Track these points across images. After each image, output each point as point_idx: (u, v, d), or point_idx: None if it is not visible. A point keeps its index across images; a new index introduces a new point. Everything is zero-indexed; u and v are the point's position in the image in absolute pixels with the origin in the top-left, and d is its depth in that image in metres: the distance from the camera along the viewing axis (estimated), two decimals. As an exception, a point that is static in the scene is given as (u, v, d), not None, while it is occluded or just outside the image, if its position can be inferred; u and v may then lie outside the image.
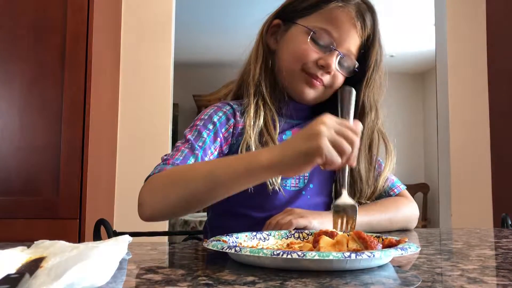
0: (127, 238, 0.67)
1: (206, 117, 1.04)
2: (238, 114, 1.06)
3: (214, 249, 0.63)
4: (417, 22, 4.60)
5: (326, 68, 1.03)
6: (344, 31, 1.03)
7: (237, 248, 0.60)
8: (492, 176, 2.48)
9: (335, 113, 1.12)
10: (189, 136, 1.00)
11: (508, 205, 2.31)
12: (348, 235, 0.66)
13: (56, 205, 1.72)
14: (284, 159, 0.76)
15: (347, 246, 0.64)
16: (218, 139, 1.02)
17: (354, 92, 0.90)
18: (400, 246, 0.63)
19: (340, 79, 1.07)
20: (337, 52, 1.03)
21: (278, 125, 1.06)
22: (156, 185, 0.89)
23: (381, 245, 0.65)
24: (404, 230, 1.08)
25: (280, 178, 1.01)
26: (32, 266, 0.51)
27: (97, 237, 1.10)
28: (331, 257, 0.56)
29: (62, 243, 0.62)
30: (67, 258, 0.51)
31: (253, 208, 1.03)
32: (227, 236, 0.73)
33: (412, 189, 5.51)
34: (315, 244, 0.66)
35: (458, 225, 2.43)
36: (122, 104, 2.28)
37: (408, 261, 0.67)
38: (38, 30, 1.78)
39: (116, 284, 0.52)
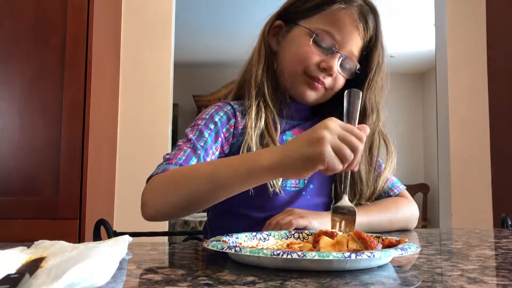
0: (127, 238, 0.67)
1: (207, 117, 1.04)
2: (238, 114, 1.06)
3: (214, 249, 0.63)
4: (417, 22, 4.60)
5: (328, 71, 1.03)
6: (347, 33, 1.03)
7: (237, 248, 0.60)
8: (492, 176, 2.48)
9: (335, 113, 1.12)
10: (190, 136, 1.00)
11: (508, 205, 2.31)
12: (348, 235, 0.66)
13: (56, 205, 1.72)
14: (285, 162, 0.76)
15: (347, 246, 0.64)
16: (219, 139, 1.02)
17: (361, 94, 0.88)
18: (400, 246, 0.63)
19: (341, 81, 1.07)
20: (339, 54, 1.03)
21: (279, 126, 1.06)
22: (159, 186, 0.89)
23: (381, 245, 0.65)
24: (404, 230, 1.08)
25: (281, 180, 1.01)
26: (32, 266, 0.51)
27: (97, 237, 1.10)
28: (331, 257, 0.56)
29: (62, 243, 0.62)
30: (67, 258, 0.51)
31: (253, 208, 1.03)
32: (227, 236, 0.73)
33: (412, 189, 5.51)
34: (315, 244, 0.66)
35: (458, 225, 2.43)
36: (122, 104, 2.28)
37: (408, 261, 0.67)
38: (38, 30, 1.78)
39: (116, 284, 0.52)
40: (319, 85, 1.05)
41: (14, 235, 1.67)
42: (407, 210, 1.11)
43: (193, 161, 0.96)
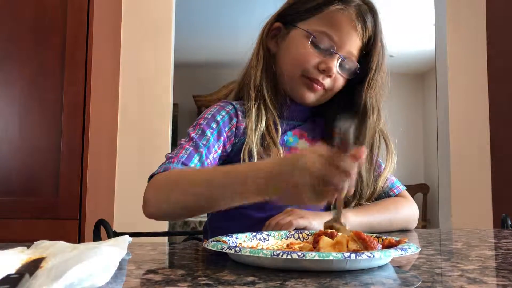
0: (127, 239, 0.67)
1: (209, 116, 1.05)
2: (240, 113, 1.07)
3: (214, 249, 0.63)
4: (417, 22, 4.60)
5: (327, 72, 1.03)
6: (345, 34, 1.03)
7: (237, 249, 0.60)
8: (492, 177, 2.48)
9: (333, 113, 1.12)
10: (193, 135, 1.00)
11: (508, 205, 2.31)
12: (348, 235, 0.66)
13: (56, 205, 1.72)
14: (270, 196, 0.75)
15: (347, 247, 0.64)
16: (222, 138, 1.03)
17: (351, 123, 0.77)
18: (400, 246, 0.63)
19: (341, 81, 1.07)
20: (338, 55, 1.03)
21: (280, 128, 1.06)
22: (161, 186, 0.90)
23: (381, 246, 0.65)
24: (404, 231, 1.08)
25: None
26: (32, 267, 0.51)
27: (97, 237, 1.10)
28: (331, 258, 0.56)
29: (62, 244, 0.62)
30: (67, 258, 0.51)
31: (253, 208, 1.03)
32: (227, 237, 0.73)
33: (412, 189, 5.51)
34: (315, 245, 0.66)
35: (458, 226, 2.42)
36: (122, 104, 2.27)
37: (408, 261, 0.67)
38: (38, 30, 1.78)
39: (116, 284, 0.52)
40: (318, 87, 1.05)
41: (14, 235, 1.67)
42: (407, 210, 1.10)
43: (195, 159, 0.96)
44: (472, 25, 2.56)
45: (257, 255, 0.58)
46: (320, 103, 1.10)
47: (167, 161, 0.95)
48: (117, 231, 1.13)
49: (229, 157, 1.05)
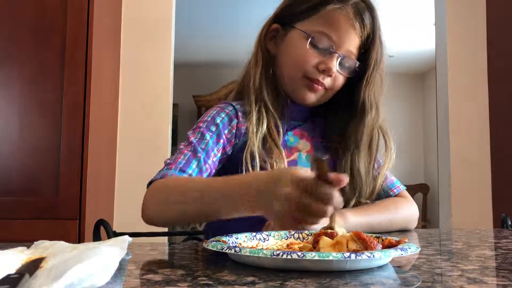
0: (127, 239, 0.67)
1: (209, 119, 1.05)
2: (240, 114, 1.07)
3: (214, 249, 0.63)
4: (417, 21, 4.60)
5: (327, 72, 1.03)
6: (343, 33, 1.03)
7: (237, 249, 0.60)
8: (492, 177, 2.48)
9: (334, 111, 1.12)
10: (192, 139, 1.01)
11: (508, 205, 2.31)
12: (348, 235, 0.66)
13: (56, 205, 1.72)
14: (259, 214, 0.77)
15: (347, 247, 0.64)
16: (221, 140, 1.03)
17: (325, 157, 0.74)
18: (400, 246, 0.63)
19: (341, 80, 1.07)
20: (337, 54, 1.03)
21: (281, 130, 1.06)
22: (157, 194, 0.92)
23: (381, 246, 0.65)
24: (404, 231, 1.08)
25: None
26: (32, 267, 0.51)
27: (96, 237, 1.10)
28: (331, 258, 0.56)
29: (61, 244, 0.62)
30: (66, 258, 0.51)
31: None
32: (227, 237, 0.73)
33: (412, 189, 5.51)
34: (315, 245, 0.66)
35: (458, 226, 2.42)
36: (122, 104, 2.27)
37: (408, 261, 0.67)
38: (38, 30, 1.78)
39: (116, 285, 0.52)
40: (319, 87, 1.05)
41: (14, 235, 1.67)
42: (407, 210, 1.10)
43: (193, 164, 0.97)
44: (472, 25, 2.56)
45: (257, 255, 0.58)
46: (320, 103, 1.10)
47: (165, 168, 0.96)
48: (117, 231, 1.13)
49: (230, 158, 1.05)
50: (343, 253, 0.56)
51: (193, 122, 1.06)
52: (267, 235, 0.79)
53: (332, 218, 0.74)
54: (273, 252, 0.57)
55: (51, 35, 1.78)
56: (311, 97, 1.07)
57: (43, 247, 0.61)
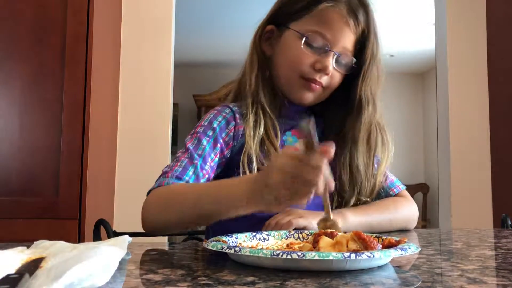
0: (127, 238, 0.67)
1: (206, 123, 1.05)
2: (238, 116, 1.06)
3: (214, 249, 0.63)
4: (417, 21, 4.60)
5: (323, 71, 1.03)
6: (337, 31, 1.03)
7: (237, 249, 0.60)
8: (492, 177, 2.48)
9: (332, 109, 1.12)
10: (188, 145, 1.01)
11: (508, 205, 2.31)
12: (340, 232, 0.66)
13: (56, 205, 1.72)
14: (254, 207, 0.78)
15: (347, 247, 0.64)
16: (218, 145, 1.03)
17: (313, 120, 0.74)
18: (400, 246, 0.63)
19: (338, 77, 1.07)
20: (333, 52, 1.03)
21: (279, 132, 1.06)
22: (154, 203, 0.94)
23: (381, 246, 0.65)
24: (404, 231, 1.08)
25: None
26: (32, 267, 0.51)
27: (96, 237, 1.09)
28: (331, 258, 0.56)
29: (61, 244, 0.62)
30: (66, 258, 0.51)
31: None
32: (227, 237, 0.73)
33: (412, 189, 5.51)
34: (315, 245, 0.66)
35: (458, 226, 2.42)
36: (122, 104, 2.27)
37: (408, 261, 0.67)
38: (38, 30, 1.78)
39: (116, 284, 0.52)
40: (317, 86, 1.05)
41: (14, 235, 1.67)
42: (407, 210, 1.10)
43: (190, 171, 0.97)
44: (472, 24, 2.56)
45: (257, 255, 0.58)
46: (318, 102, 1.10)
47: (162, 176, 0.97)
48: (117, 231, 1.12)
49: (228, 161, 1.05)
50: (343, 253, 0.56)
51: (193, 122, 1.07)
52: (267, 235, 0.79)
53: (326, 209, 0.78)
54: (273, 252, 0.57)
55: (51, 34, 1.78)
56: (309, 97, 1.07)
57: (43, 247, 0.61)
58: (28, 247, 0.63)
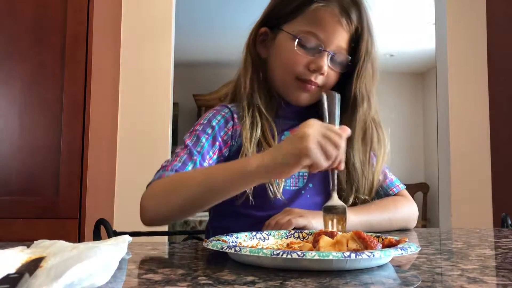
0: (127, 238, 0.67)
1: (205, 122, 1.05)
2: (236, 116, 1.07)
3: (214, 249, 0.63)
4: (417, 21, 4.60)
5: (318, 71, 1.03)
6: (330, 31, 1.03)
7: (237, 248, 0.60)
8: (492, 176, 2.48)
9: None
10: (187, 142, 1.01)
11: (508, 204, 2.31)
12: (348, 235, 0.66)
13: (56, 205, 1.72)
14: (271, 163, 0.80)
15: (347, 246, 0.64)
16: (217, 143, 1.03)
17: (338, 96, 0.90)
18: (400, 246, 0.63)
19: (333, 76, 1.06)
20: (327, 52, 1.03)
21: (276, 133, 1.06)
22: (156, 191, 0.93)
23: (381, 245, 0.65)
24: (404, 230, 1.08)
25: (282, 185, 1.02)
26: (32, 266, 0.51)
27: (97, 237, 1.10)
28: (331, 257, 0.56)
29: (62, 243, 0.62)
30: (66, 258, 0.51)
31: (253, 207, 1.04)
32: (227, 236, 0.73)
33: (412, 188, 5.51)
34: (315, 244, 0.66)
35: (458, 225, 2.43)
36: (122, 104, 2.27)
37: (408, 261, 0.67)
38: (38, 30, 1.78)
39: (116, 284, 0.52)
40: (312, 86, 1.05)
41: (14, 235, 1.67)
42: (407, 210, 1.10)
43: (189, 167, 0.97)
44: (472, 24, 2.56)
45: (257, 254, 0.58)
46: (315, 101, 1.10)
47: (161, 170, 0.98)
48: (117, 231, 1.13)
49: (226, 159, 1.05)
50: (343, 253, 0.56)
51: (193, 121, 1.07)
52: (267, 235, 0.79)
53: (333, 187, 0.86)
54: (273, 251, 0.57)
55: (51, 34, 1.78)
56: (305, 98, 1.07)
57: (43, 247, 0.61)
58: (28, 246, 0.63)
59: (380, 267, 0.61)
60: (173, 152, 1.05)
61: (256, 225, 0.94)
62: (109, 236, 1.07)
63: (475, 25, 2.56)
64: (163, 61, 2.32)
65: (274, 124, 1.06)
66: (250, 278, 0.54)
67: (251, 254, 0.58)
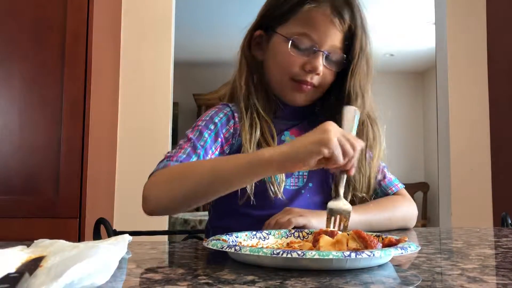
0: (127, 237, 0.67)
1: (207, 118, 1.06)
2: (236, 115, 1.07)
3: (214, 248, 0.63)
4: (417, 20, 4.60)
5: (314, 71, 1.03)
6: (323, 31, 1.03)
7: (237, 247, 0.60)
8: (492, 176, 2.48)
9: (330, 106, 1.12)
10: (191, 136, 1.02)
11: (508, 204, 2.31)
12: (348, 234, 0.66)
13: (56, 204, 1.72)
14: (293, 152, 0.80)
15: (347, 246, 0.64)
16: (219, 139, 1.03)
17: (358, 113, 0.93)
18: (400, 245, 0.63)
19: (329, 76, 1.06)
20: (321, 52, 1.03)
21: (275, 134, 1.06)
22: (161, 180, 0.92)
23: (381, 244, 0.65)
24: (403, 229, 1.08)
25: (282, 187, 1.02)
26: (32, 266, 0.51)
27: (97, 236, 1.10)
28: (331, 256, 0.56)
29: (62, 242, 0.62)
30: (66, 257, 0.51)
31: (253, 207, 1.04)
32: (227, 235, 0.73)
33: (412, 188, 5.51)
34: (315, 243, 0.66)
35: (458, 224, 2.43)
36: (122, 103, 2.27)
37: (408, 260, 0.67)
38: (38, 29, 1.78)
39: (116, 283, 0.52)
40: (308, 87, 1.05)
41: (14, 234, 1.67)
42: (406, 209, 1.10)
43: (193, 159, 0.98)
44: (472, 24, 2.56)
45: (257, 254, 0.58)
46: (312, 101, 1.10)
47: (166, 159, 0.97)
48: (117, 230, 1.13)
49: None
50: (343, 252, 0.56)
51: (193, 121, 1.07)
52: (267, 234, 0.79)
53: (339, 188, 0.86)
54: (273, 251, 0.57)
55: (51, 34, 1.78)
56: (301, 98, 1.07)
57: (43, 246, 0.61)
58: (28, 246, 0.63)
59: (380, 266, 0.61)
60: (176, 142, 1.04)
61: (256, 224, 0.95)
62: (109, 236, 1.07)
63: (475, 25, 2.55)
64: (163, 60, 2.32)
65: (272, 124, 1.07)
66: (250, 278, 0.54)
67: (251, 253, 0.58)
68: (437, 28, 2.69)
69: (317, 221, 0.92)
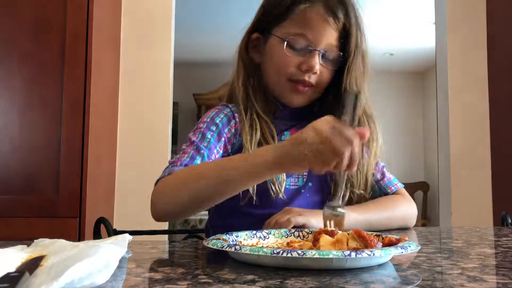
0: (127, 237, 0.67)
1: (208, 120, 1.06)
2: (237, 115, 1.08)
3: (214, 247, 0.63)
4: (417, 20, 4.60)
5: (310, 70, 1.04)
6: (318, 30, 1.03)
7: (237, 247, 0.60)
8: (492, 175, 2.48)
9: (329, 105, 1.12)
10: (193, 139, 1.02)
11: (508, 203, 2.31)
12: (348, 233, 0.66)
13: (56, 203, 1.72)
14: (282, 159, 0.79)
15: (347, 245, 0.64)
16: (222, 138, 1.04)
17: (352, 96, 0.91)
18: (400, 244, 0.63)
19: (326, 74, 1.07)
20: (317, 51, 1.03)
21: (275, 135, 1.06)
22: (167, 186, 0.92)
23: (381, 244, 0.65)
24: (403, 229, 1.08)
25: (283, 186, 1.02)
26: (32, 265, 0.51)
27: (97, 235, 1.10)
28: (331, 256, 0.56)
29: (62, 242, 0.62)
30: (67, 256, 0.51)
31: (253, 206, 1.04)
32: (227, 235, 0.73)
33: (412, 187, 5.51)
34: (315, 243, 0.66)
35: (458, 224, 2.43)
36: (122, 103, 2.27)
37: (408, 259, 0.67)
38: (38, 29, 1.78)
39: (116, 283, 0.52)
40: (306, 87, 1.05)
41: (14, 234, 1.67)
42: (406, 208, 1.11)
43: (198, 161, 0.98)
44: (472, 24, 2.56)
45: (257, 253, 0.58)
46: (310, 101, 1.10)
47: (171, 165, 0.98)
48: (117, 229, 1.13)
49: None
50: (343, 251, 0.56)
51: (193, 121, 1.07)
52: (267, 233, 0.79)
53: (339, 190, 0.83)
54: (273, 250, 0.57)
55: (51, 34, 1.78)
56: (299, 99, 1.08)
57: (43, 245, 0.61)
58: (28, 245, 0.63)
59: (380, 265, 0.61)
60: (174, 153, 1.05)
61: (257, 223, 0.95)
62: (109, 235, 1.07)
63: (475, 24, 2.55)
64: (163, 60, 2.32)
65: (272, 125, 1.07)
66: (250, 277, 0.54)
67: (251, 253, 0.58)
68: (437, 28, 2.69)
69: (316, 220, 0.93)
